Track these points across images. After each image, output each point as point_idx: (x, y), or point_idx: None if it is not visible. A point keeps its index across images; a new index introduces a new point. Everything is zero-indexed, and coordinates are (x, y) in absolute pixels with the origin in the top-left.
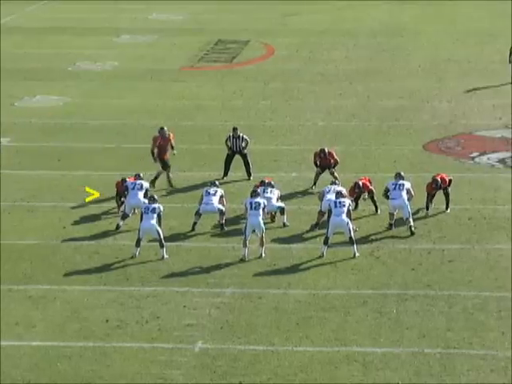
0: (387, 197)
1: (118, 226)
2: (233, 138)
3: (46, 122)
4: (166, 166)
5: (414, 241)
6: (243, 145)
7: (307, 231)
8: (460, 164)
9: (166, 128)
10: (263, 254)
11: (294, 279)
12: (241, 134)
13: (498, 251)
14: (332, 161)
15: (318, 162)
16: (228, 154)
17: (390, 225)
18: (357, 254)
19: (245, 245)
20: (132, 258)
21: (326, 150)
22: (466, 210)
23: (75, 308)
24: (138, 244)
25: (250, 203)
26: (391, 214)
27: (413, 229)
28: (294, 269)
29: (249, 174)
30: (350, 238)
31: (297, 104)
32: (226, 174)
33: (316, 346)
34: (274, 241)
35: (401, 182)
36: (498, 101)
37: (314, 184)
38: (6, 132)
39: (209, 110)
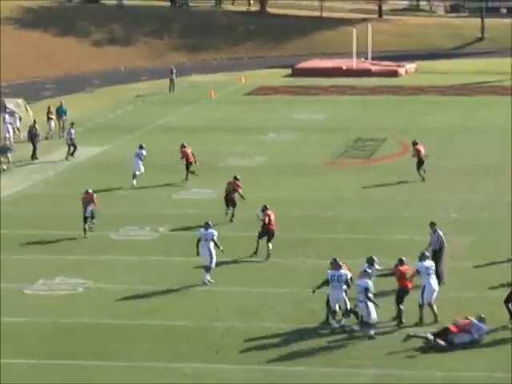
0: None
1: None
2: (434, 233)
3: (198, 212)
4: None
5: None
6: (439, 245)
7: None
8: None
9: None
10: (347, 326)
11: (430, 361)
12: (438, 231)
13: None
14: (236, 189)
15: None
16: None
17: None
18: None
19: (333, 317)
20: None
21: (235, 179)
22: None
23: None
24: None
25: (332, 276)
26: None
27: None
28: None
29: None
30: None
31: (430, 196)
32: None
33: None
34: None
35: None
36: None
37: None
38: (164, 221)
39: (348, 201)
